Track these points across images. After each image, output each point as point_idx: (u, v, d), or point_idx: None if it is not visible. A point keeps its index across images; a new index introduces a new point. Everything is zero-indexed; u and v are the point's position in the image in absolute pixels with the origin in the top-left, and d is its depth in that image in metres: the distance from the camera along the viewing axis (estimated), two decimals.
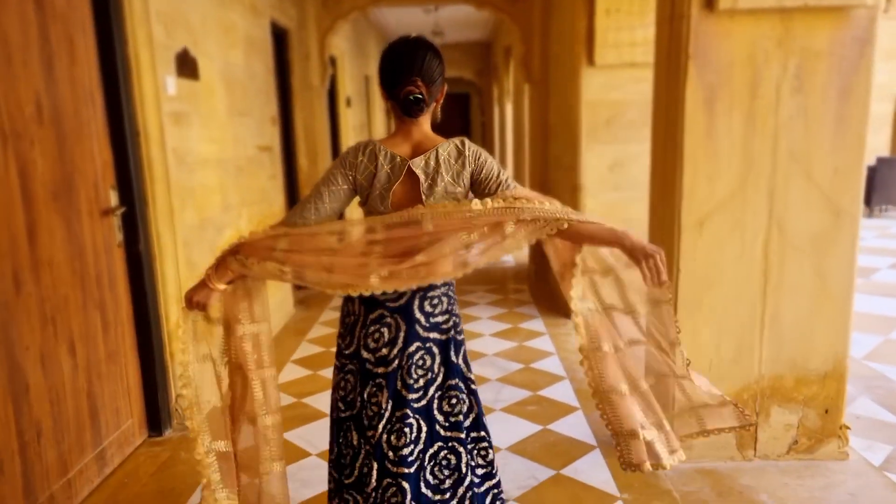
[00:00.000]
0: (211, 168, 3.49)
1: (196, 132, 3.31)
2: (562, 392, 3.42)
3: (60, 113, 2.44)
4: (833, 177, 2.37)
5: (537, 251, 5.95)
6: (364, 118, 9.68)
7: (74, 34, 2.54)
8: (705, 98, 2.34)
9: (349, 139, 8.29)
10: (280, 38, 5.31)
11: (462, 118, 17.75)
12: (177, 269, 3.02)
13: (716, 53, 2.30)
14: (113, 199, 2.75)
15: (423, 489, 1.71)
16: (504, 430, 3.00)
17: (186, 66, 3.22)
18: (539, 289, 5.64)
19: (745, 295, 2.48)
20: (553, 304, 5.10)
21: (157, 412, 2.99)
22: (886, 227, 8.59)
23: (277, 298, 4.65)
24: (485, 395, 3.39)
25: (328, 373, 3.81)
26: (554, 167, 5.35)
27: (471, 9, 10.45)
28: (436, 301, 1.74)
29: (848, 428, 2.58)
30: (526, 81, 5.93)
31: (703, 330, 2.51)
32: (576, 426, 3.03)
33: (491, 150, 15.20)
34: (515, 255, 7.24)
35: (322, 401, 3.39)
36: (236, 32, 3.98)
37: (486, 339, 4.31)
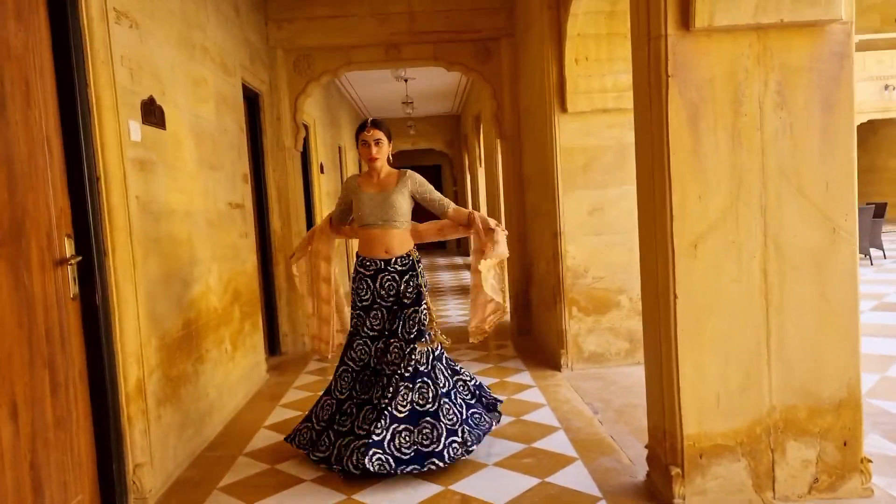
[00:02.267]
0: (178, 219, 3.33)
1: (162, 181, 3.17)
2: (557, 443, 3.19)
3: (12, 157, 2.27)
4: (825, 192, 2.30)
5: (518, 305, 5.80)
6: (337, 186, 9.66)
7: (30, 76, 2.42)
8: (689, 116, 2.28)
9: (323, 205, 8.22)
10: (252, 102, 5.28)
11: (435, 187, 17.92)
12: (137, 324, 2.80)
13: (696, 71, 2.27)
14: (68, 248, 2.56)
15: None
16: (500, 485, 2.75)
17: (152, 114, 3.11)
18: (523, 343, 5.45)
19: (748, 319, 2.35)
20: (539, 357, 4.91)
21: (111, 486, 2.68)
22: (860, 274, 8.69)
23: (249, 363, 4.39)
24: (477, 450, 3.15)
25: None
26: (532, 216, 5.29)
27: (440, 81, 10.77)
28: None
29: (869, 461, 2.41)
30: (498, 138, 5.96)
31: (707, 361, 2.36)
32: (576, 477, 2.80)
33: None
34: None
35: (297, 467, 3.11)
36: (207, 87, 3.92)
37: None
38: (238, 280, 4.24)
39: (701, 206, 2.31)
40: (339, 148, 10.04)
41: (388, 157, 3.24)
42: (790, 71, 2.26)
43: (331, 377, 3.29)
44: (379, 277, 3.16)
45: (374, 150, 3.15)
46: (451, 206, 3.27)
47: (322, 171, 8.22)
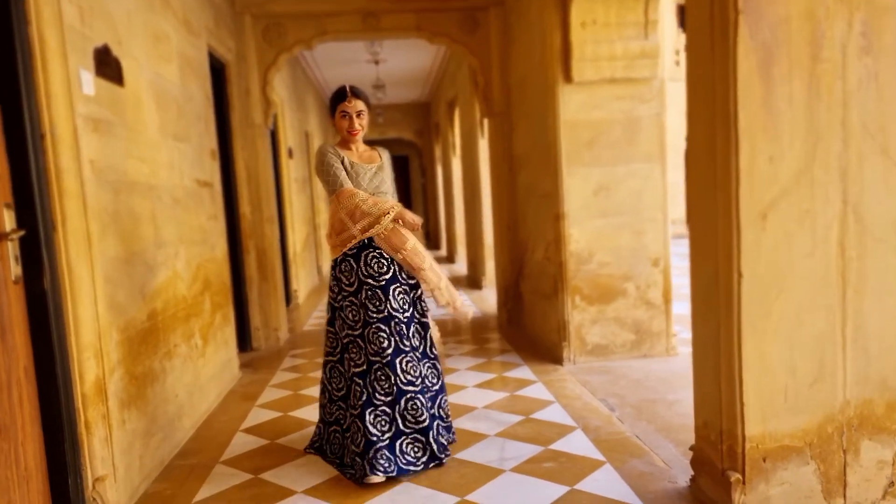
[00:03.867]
0: (140, 193, 2.86)
1: (121, 146, 2.70)
2: (578, 444, 2.85)
3: None
4: None
5: (508, 296, 5.46)
6: (307, 173, 9.15)
7: None
8: (760, 62, 1.95)
9: (293, 192, 7.71)
10: (218, 73, 4.78)
11: (402, 179, 17.48)
12: (95, 312, 2.33)
13: (770, 7, 1.93)
14: (8, 220, 2.08)
15: None
16: (523, 494, 2.40)
17: (108, 65, 2.63)
18: (515, 335, 5.11)
19: (821, 301, 2.04)
20: (535, 349, 4.57)
21: None
22: None
23: (221, 359, 3.92)
24: (487, 453, 2.79)
25: (288, 441, 3.10)
26: (526, 198, 4.94)
27: (413, 63, 10.33)
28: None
29: None
30: (485, 116, 5.59)
31: (774, 349, 2.04)
32: (608, 483, 2.46)
33: (434, 210, 14.88)
34: (479, 304, 6.72)
35: (284, 476, 2.69)
36: (169, 45, 3.43)
37: (471, 390, 3.72)
38: (208, 267, 3.77)
39: (771, 169, 1.99)
40: (306, 133, 9.52)
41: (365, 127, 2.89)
42: (878, 10, 1.95)
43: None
44: (363, 255, 2.73)
45: (357, 122, 2.80)
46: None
47: (291, 157, 7.71)
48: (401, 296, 2.74)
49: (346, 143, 2.86)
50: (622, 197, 4.09)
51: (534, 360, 4.28)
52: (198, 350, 3.47)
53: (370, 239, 2.74)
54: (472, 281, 8.47)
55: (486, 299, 7.02)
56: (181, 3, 3.70)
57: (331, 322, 2.85)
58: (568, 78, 3.97)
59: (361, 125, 2.82)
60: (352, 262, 2.74)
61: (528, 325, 5.12)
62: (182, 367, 3.19)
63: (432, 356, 2.84)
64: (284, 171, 7.24)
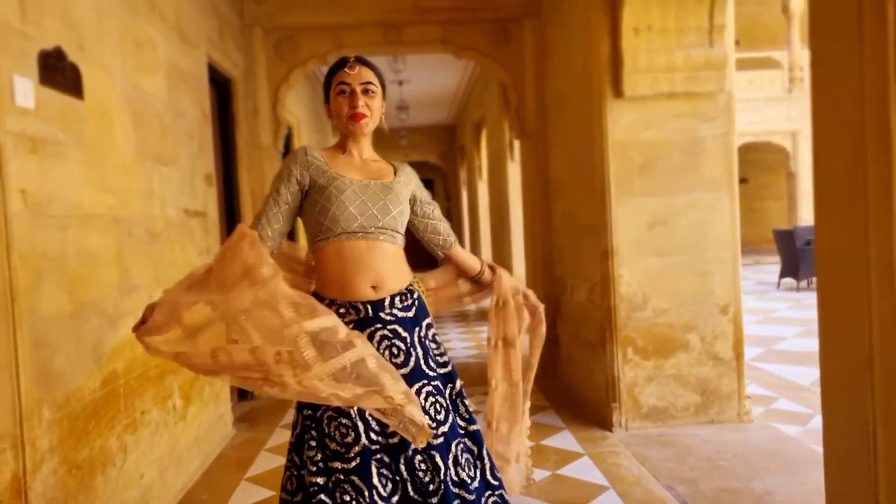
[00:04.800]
0: (101, 228, 2.33)
1: (75, 172, 2.17)
2: None
3: None
4: None
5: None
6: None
7: None
8: None
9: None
10: (222, 88, 4.31)
11: None
12: (14, 389, 1.77)
13: None
14: None
15: None
16: None
17: (59, 73, 2.12)
18: (551, 387, 4.47)
19: None
20: (578, 408, 3.93)
21: None
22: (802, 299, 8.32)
23: (209, 418, 3.36)
24: None
25: None
26: (564, 229, 4.34)
27: (438, 83, 9.86)
28: None
29: None
30: (517, 137, 5.03)
31: None
32: None
33: (459, 234, 14.33)
34: None
35: None
36: (154, 53, 2.93)
37: None
38: None
39: None
40: None
41: (382, 121, 1.82)
42: None
43: None
44: (365, 335, 1.61)
45: (362, 102, 1.73)
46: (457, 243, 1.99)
47: None
48: (431, 399, 1.69)
49: (343, 143, 1.81)
50: (682, 232, 3.46)
51: (577, 423, 3.64)
52: (176, 413, 2.91)
53: (375, 304, 1.69)
54: None
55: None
56: (174, 8, 3.21)
57: (296, 446, 1.70)
58: (618, 92, 3.39)
59: (370, 108, 1.74)
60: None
61: (566, 377, 4.47)
62: (152, 438, 2.62)
63: (495, 485, 1.73)
64: None
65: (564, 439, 3.40)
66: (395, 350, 1.68)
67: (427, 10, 4.69)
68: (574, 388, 4.24)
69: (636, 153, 3.43)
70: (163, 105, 3.00)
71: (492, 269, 2.00)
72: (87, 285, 2.21)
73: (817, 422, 3.38)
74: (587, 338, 3.90)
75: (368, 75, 1.76)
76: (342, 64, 1.77)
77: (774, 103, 14.24)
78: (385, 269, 1.70)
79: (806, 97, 14.96)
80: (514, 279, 2.06)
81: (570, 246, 4.26)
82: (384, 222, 1.71)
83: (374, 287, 1.69)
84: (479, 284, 2.01)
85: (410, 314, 1.73)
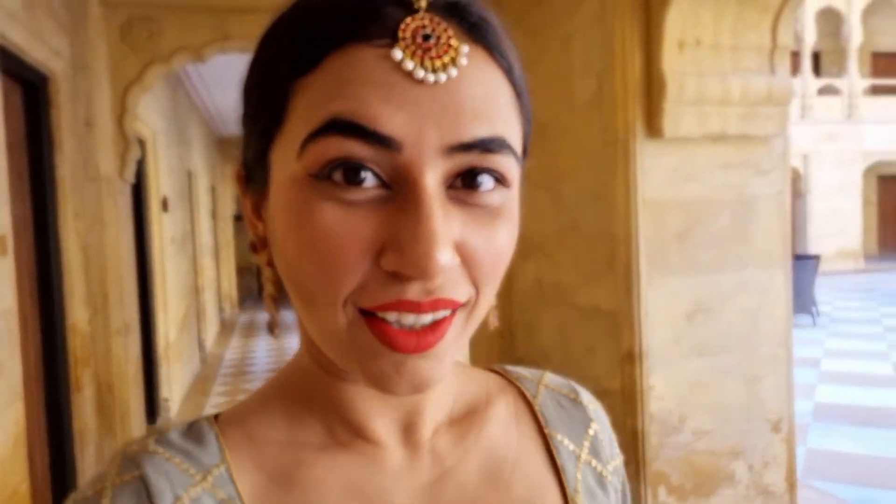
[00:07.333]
0: None
1: None
2: None
3: None
4: None
5: None
6: (188, 227, 7.00)
7: None
8: None
9: (166, 264, 5.58)
10: (32, 90, 2.78)
11: None
12: None
13: None
14: None
15: None
16: None
17: None
18: None
19: None
20: None
21: None
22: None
23: None
24: None
25: None
26: (539, 302, 3.23)
27: None
28: None
29: None
30: None
31: None
32: None
33: None
34: None
35: None
36: None
37: None
38: None
39: None
40: (189, 173, 7.40)
41: None
42: None
43: None
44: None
45: None
46: None
47: (165, 209, 5.61)
48: None
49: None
50: (729, 322, 2.53)
51: None
52: None
53: None
54: None
55: None
56: None
57: None
58: (654, 130, 2.38)
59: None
60: None
61: None
62: None
63: None
64: (155, 233, 5.14)
65: None
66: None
67: None
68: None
69: (675, 216, 2.45)
70: None
71: None
72: None
73: None
74: None
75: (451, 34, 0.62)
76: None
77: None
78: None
79: (819, 121, 15.52)
80: None
81: (548, 321, 3.20)
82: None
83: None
84: None
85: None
